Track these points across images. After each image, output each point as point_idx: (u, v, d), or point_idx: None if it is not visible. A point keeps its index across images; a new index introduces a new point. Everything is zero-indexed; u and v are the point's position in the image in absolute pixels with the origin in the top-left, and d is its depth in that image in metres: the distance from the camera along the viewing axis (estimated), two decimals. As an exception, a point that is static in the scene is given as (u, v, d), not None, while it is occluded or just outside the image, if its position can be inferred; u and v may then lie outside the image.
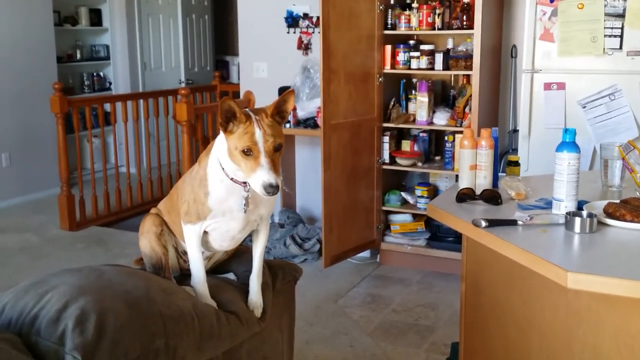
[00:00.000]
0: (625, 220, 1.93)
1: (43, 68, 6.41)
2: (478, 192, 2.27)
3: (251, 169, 1.80)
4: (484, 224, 1.94)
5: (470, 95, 4.07)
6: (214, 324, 1.63)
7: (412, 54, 4.25)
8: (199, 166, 2.01)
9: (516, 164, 2.56)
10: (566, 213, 1.95)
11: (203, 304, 1.77)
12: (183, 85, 7.35)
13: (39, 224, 5.53)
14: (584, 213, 1.94)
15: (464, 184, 2.32)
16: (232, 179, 1.92)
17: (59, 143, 5.26)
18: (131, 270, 1.71)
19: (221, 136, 1.92)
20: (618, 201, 2.06)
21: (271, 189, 1.77)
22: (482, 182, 2.31)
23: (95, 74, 7.45)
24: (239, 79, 5.94)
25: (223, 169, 1.92)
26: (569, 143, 2.05)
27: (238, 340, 1.76)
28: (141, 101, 6.12)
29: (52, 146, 5.79)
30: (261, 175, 1.78)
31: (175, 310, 1.54)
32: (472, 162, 2.33)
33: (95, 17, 7.38)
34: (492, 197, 2.22)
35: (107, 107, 6.35)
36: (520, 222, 1.97)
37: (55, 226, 5.39)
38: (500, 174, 2.51)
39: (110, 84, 7.56)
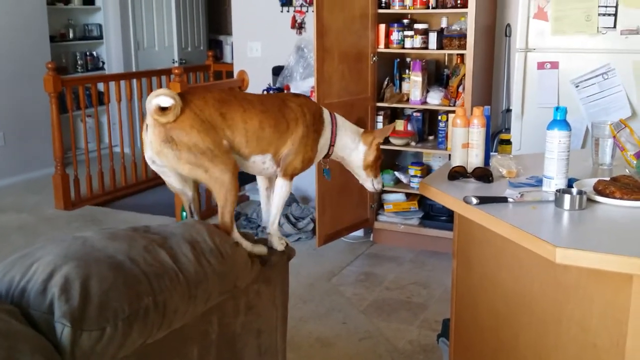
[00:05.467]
0: (615, 198, 1.95)
1: (36, 47, 6.37)
2: (470, 170, 2.29)
3: None
4: (475, 201, 1.96)
5: (464, 75, 4.07)
6: (198, 270, 1.66)
7: (406, 33, 4.24)
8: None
9: (508, 142, 2.58)
10: (556, 190, 1.97)
11: (182, 255, 1.73)
12: (176, 65, 7.30)
13: (34, 204, 5.54)
14: (574, 190, 1.96)
15: (456, 162, 2.34)
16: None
17: (53, 123, 5.25)
18: (114, 232, 1.70)
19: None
20: (608, 179, 2.08)
21: None
22: (474, 160, 2.33)
23: (88, 53, 7.41)
24: (232, 58, 5.93)
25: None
26: (560, 121, 2.07)
27: (229, 282, 1.78)
28: (134, 81, 6.10)
29: (46, 126, 5.77)
30: None
31: (158, 267, 1.58)
32: (464, 141, 2.35)
33: (88, -4, 7.34)
34: (483, 174, 2.24)
35: (101, 86, 6.33)
36: (510, 200, 1.99)
37: (51, 205, 5.40)
38: (492, 153, 2.53)
39: (104, 63, 7.52)
